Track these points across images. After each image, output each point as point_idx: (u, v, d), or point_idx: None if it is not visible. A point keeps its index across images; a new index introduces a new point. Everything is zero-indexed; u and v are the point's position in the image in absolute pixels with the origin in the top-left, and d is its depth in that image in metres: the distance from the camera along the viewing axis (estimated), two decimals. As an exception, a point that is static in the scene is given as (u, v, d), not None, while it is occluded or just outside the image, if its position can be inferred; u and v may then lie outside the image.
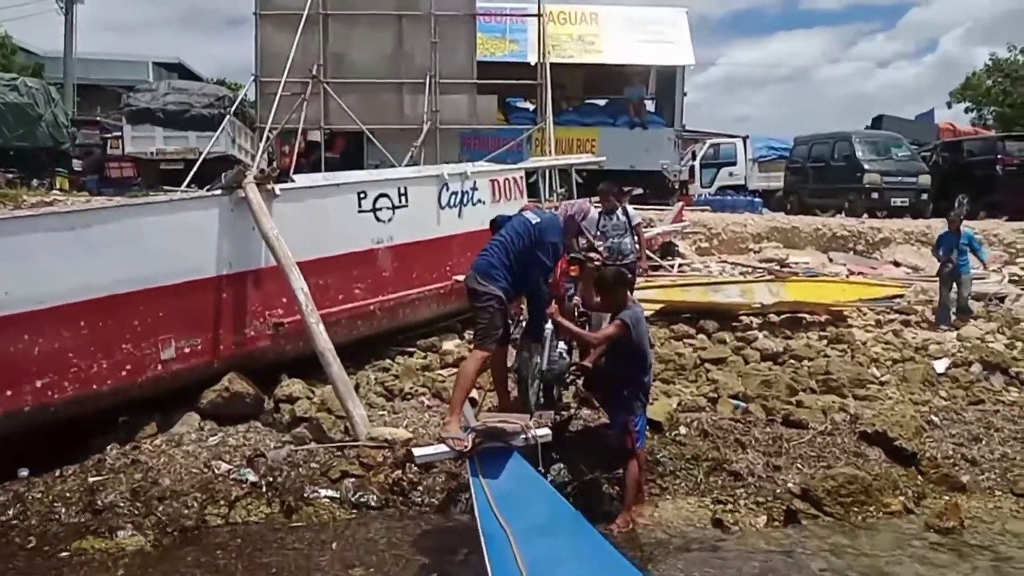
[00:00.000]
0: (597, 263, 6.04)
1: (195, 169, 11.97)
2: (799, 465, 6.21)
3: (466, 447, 4.94)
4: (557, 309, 5.83)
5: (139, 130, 17.66)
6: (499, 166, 9.92)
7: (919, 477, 6.18)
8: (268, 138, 13.53)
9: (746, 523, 5.67)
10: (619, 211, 8.62)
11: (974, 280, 10.75)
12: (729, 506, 5.83)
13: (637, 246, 8.54)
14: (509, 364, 5.77)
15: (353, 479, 5.69)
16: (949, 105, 39.09)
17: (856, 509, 5.67)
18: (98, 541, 5.09)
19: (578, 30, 19.01)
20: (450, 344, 8.11)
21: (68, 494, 5.50)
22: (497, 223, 5.87)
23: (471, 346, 5.49)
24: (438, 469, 5.72)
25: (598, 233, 7.92)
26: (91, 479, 5.59)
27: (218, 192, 6.75)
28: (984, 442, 6.66)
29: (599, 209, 8.76)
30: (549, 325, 5.72)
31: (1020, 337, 9.24)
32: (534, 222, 5.47)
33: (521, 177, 9.45)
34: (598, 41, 18.94)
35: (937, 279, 10.26)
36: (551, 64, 15.10)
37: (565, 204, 5.79)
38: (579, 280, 6.31)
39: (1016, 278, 12.48)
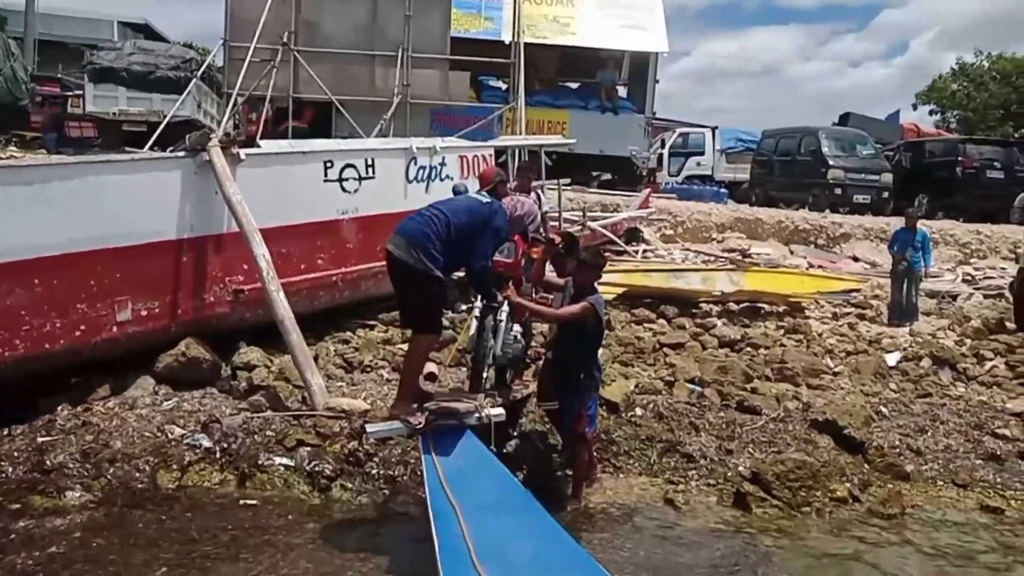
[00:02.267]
0: (559, 244, 6.04)
1: (158, 132, 11.71)
2: (751, 450, 6.34)
3: (420, 424, 4.92)
4: (513, 291, 5.74)
5: (102, 89, 17.21)
6: (469, 143, 9.87)
7: (865, 465, 6.34)
8: (235, 104, 13.28)
9: (697, 503, 5.77)
10: (533, 194, 8.66)
11: (928, 278, 11.00)
12: (681, 487, 5.94)
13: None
14: (463, 344, 5.74)
15: (309, 448, 5.66)
16: (915, 107, 39.88)
17: (803, 494, 5.78)
18: (45, 500, 5.02)
19: (554, 11, 18.89)
20: (412, 319, 8.09)
21: (16, 453, 5.43)
22: (458, 191, 5.82)
23: (413, 332, 5.19)
24: (394, 442, 5.72)
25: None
26: (40, 439, 5.51)
27: (182, 154, 6.64)
28: (929, 434, 6.85)
29: (515, 189, 8.80)
30: (504, 307, 5.60)
31: (969, 335, 9.48)
32: (485, 202, 5.27)
33: (491, 155, 9.41)
34: (573, 23, 18.85)
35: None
36: (525, 44, 15.01)
37: (516, 201, 5.57)
38: (540, 260, 6.24)
39: (969, 278, 12.79)
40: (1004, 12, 71.26)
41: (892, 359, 8.48)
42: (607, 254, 12.60)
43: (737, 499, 5.79)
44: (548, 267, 6.01)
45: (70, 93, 19.72)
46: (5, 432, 5.61)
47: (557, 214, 8.89)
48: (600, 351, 5.86)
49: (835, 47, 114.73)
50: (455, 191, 5.90)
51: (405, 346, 7.50)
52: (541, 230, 5.97)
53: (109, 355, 6.19)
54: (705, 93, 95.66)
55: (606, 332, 8.20)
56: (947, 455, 6.61)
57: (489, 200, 5.31)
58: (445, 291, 5.23)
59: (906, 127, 27.12)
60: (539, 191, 8.86)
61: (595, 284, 5.58)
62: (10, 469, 5.30)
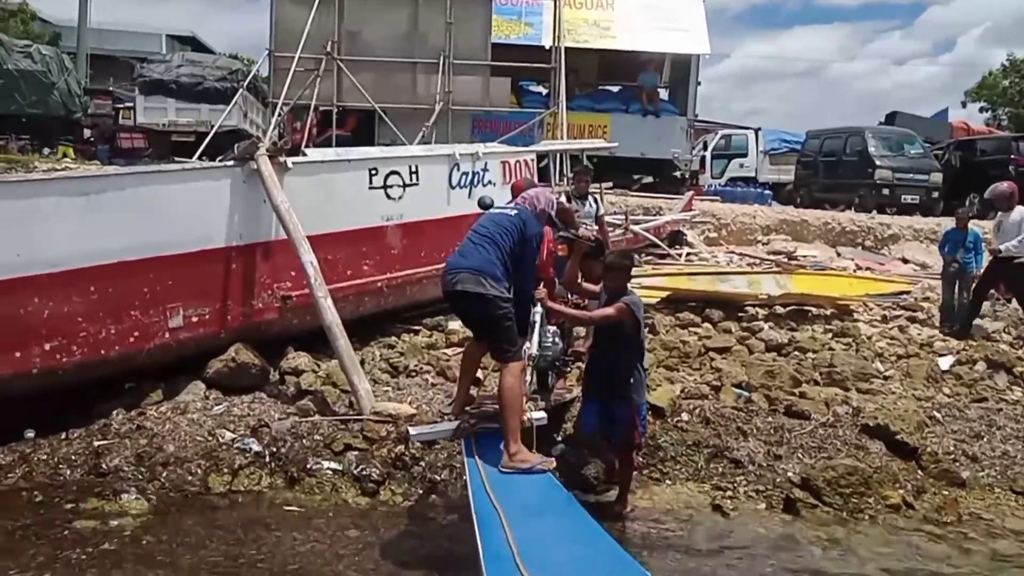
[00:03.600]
0: (589, 241, 5.97)
1: (206, 142, 11.94)
2: (800, 455, 6.24)
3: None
4: (547, 293, 5.63)
5: (151, 101, 17.66)
6: (511, 148, 9.90)
7: (919, 471, 6.19)
8: (280, 113, 13.51)
9: (745, 510, 5.70)
10: (590, 199, 8.65)
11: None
12: (728, 493, 5.86)
13: (599, 236, 8.32)
14: None
15: (356, 452, 5.72)
16: (964, 105, 39.03)
17: (855, 500, 5.69)
18: (102, 502, 5.14)
19: (593, 15, 18.88)
20: (456, 324, 8.10)
21: (73, 456, 5.58)
22: (485, 204, 5.76)
23: (502, 363, 4.92)
24: (440, 446, 5.75)
25: None
26: (96, 443, 5.66)
27: (230, 163, 6.77)
28: (985, 439, 6.68)
29: (573, 192, 8.79)
30: (539, 308, 5.50)
31: (1028, 338, 9.22)
32: (513, 214, 5.11)
33: (532, 160, 9.44)
34: (613, 27, 18.81)
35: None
36: (565, 48, 15.00)
37: (530, 196, 5.45)
38: (566, 260, 6.07)
39: None
40: (1057, 6, 69.27)
41: (945, 363, 8.28)
42: (646, 256, 12.61)
43: (787, 506, 5.71)
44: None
45: (121, 105, 20.20)
46: (63, 436, 5.77)
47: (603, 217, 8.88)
48: (644, 355, 5.70)
49: (879, 46, 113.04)
50: (481, 204, 5.85)
51: (449, 351, 7.61)
52: (570, 229, 5.85)
53: (161, 361, 6.33)
54: (746, 95, 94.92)
55: (650, 336, 8.21)
56: (1004, 461, 6.43)
57: (517, 211, 5.18)
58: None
59: (956, 125, 26.51)
60: (596, 195, 8.84)
61: (627, 286, 5.40)
62: (68, 472, 5.45)
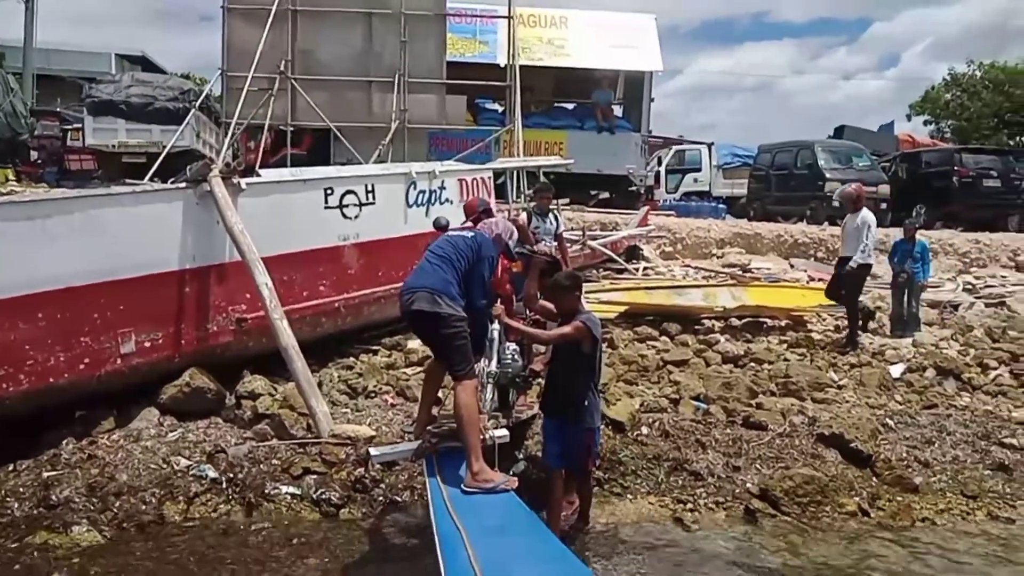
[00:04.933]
0: (545, 257, 6.01)
1: (158, 163, 11.76)
2: (758, 466, 6.31)
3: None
4: (504, 310, 5.58)
5: (101, 122, 17.29)
6: (467, 166, 9.92)
7: (874, 478, 6.30)
8: (234, 133, 13.35)
9: (706, 522, 5.74)
10: (551, 215, 8.72)
11: (929, 288, 11.00)
12: (689, 505, 5.90)
13: (558, 254, 8.28)
14: None
15: (315, 476, 5.65)
16: (909, 118, 40.12)
17: (813, 509, 5.78)
18: (52, 536, 4.99)
19: (548, 33, 19.07)
20: (415, 343, 8.07)
21: (21, 488, 5.39)
22: (440, 224, 5.83)
23: (457, 379, 4.94)
24: (400, 467, 5.71)
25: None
26: (46, 474, 5.49)
27: (183, 185, 6.67)
28: (936, 445, 6.82)
29: (534, 209, 8.87)
30: (496, 325, 5.50)
31: (972, 344, 9.47)
32: (470, 236, 5.25)
33: (489, 177, 9.48)
34: (567, 45, 19.03)
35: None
36: (520, 66, 15.12)
37: (489, 223, 5.53)
38: (523, 276, 6.13)
39: (970, 287, 12.78)
40: (994, 22, 71.84)
41: (896, 371, 8.46)
42: (604, 271, 12.70)
43: (746, 516, 5.78)
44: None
45: (70, 126, 19.80)
46: (10, 468, 5.58)
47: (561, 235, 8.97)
48: (600, 373, 5.56)
49: (827, 61, 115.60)
50: (437, 225, 5.93)
51: (409, 370, 7.57)
52: (525, 245, 5.91)
53: (113, 387, 6.18)
54: (699, 109, 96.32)
55: (609, 351, 8.26)
56: (955, 466, 6.57)
57: (473, 234, 5.31)
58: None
59: (901, 138, 27.26)
60: (556, 212, 8.90)
61: (579, 305, 5.24)
62: (16, 505, 5.27)
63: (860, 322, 9.47)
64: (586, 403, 5.12)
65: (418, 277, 5.01)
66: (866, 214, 9.26)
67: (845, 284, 9.28)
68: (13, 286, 5.53)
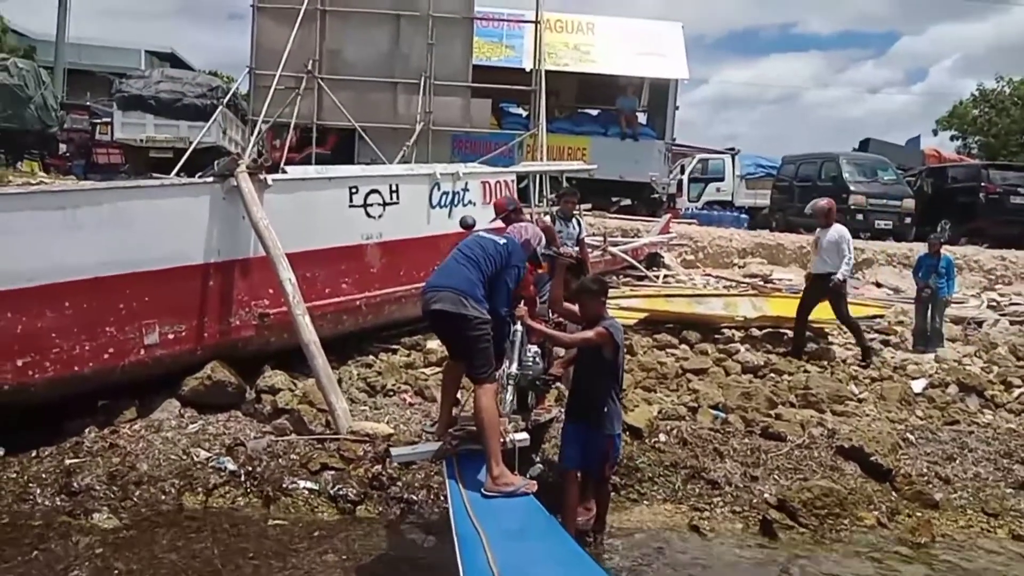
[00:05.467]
0: (570, 258, 5.97)
1: (184, 158, 11.88)
2: (776, 476, 6.27)
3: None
4: (527, 311, 5.53)
5: (130, 116, 17.50)
6: (491, 168, 9.94)
7: (893, 493, 6.25)
8: (260, 131, 13.47)
9: (722, 531, 5.72)
10: (574, 220, 8.71)
11: (953, 304, 10.89)
12: (706, 513, 5.87)
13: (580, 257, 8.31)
14: None
15: (333, 472, 5.68)
16: (935, 133, 39.79)
17: (831, 521, 5.73)
18: (73, 521, 5.07)
19: (574, 39, 19.09)
20: (434, 343, 8.10)
21: (44, 475, 5.48)
22: (467, 223, 5.80)
23: (477, 383, 4.87)
24: (417, 466, 5.72)
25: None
26: (68, 461, 5.57)
27: (210, 179, 6.74)
28: (958, 461, 6.76)
29: (558, 213, 8.85)
30: (518, 327, 5.41)
31: (996, 361, 9.37)
32: (501, 243, 5.12)
33: (512, 181, 9.48)
34: (593, 51, 19.02)
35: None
36: (546, 71, 15.14)
37: (518, 227, 5.47)
38: (548, 277, 6.06)
39: (994, 304, 12.65)
40: (1023, 37, 71.02)
41: (918, 386, 8.38)
42: (624, 277, 12.68)
43: (763, 527, 5.74)
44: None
45: (99, 120, 20.04)
46: (34, 454, 5.67)
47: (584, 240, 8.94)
48: (622, 380, 5.56)
49: (853, 74, 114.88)
50: (463, 224, 5.90)
51: (427, 370, 7.59)
52: (551, 247, 5.86)
53: (136, 378, 6.25)
54: (723, 120, 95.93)
55: (628, 357, 8.24)
56: (976, 483, 6.51)
57: (505, 241, 5.17)
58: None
59: (927, 153, 26.98)
60: (579, 216, 8.89)
61: (604, 311, 5.22)
62: (38, 491, 5.35)
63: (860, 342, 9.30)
64: (606, 409, 5.09)
65: (443, 276, 4.95)
66: (841, 229, 9.14)
67: (832, 301, 9.06)
68: (42, 274, 5.61)
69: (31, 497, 5.32)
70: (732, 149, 25.60)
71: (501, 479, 4.62)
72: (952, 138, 38.71)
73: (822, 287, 9.06)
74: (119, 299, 5.98)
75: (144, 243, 6.11)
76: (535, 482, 4.82)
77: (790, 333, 9.71)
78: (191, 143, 12.67)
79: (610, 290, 5.89)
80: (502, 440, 4.91)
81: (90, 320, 5.86)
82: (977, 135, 37.77)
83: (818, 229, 9.47)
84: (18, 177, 13.94)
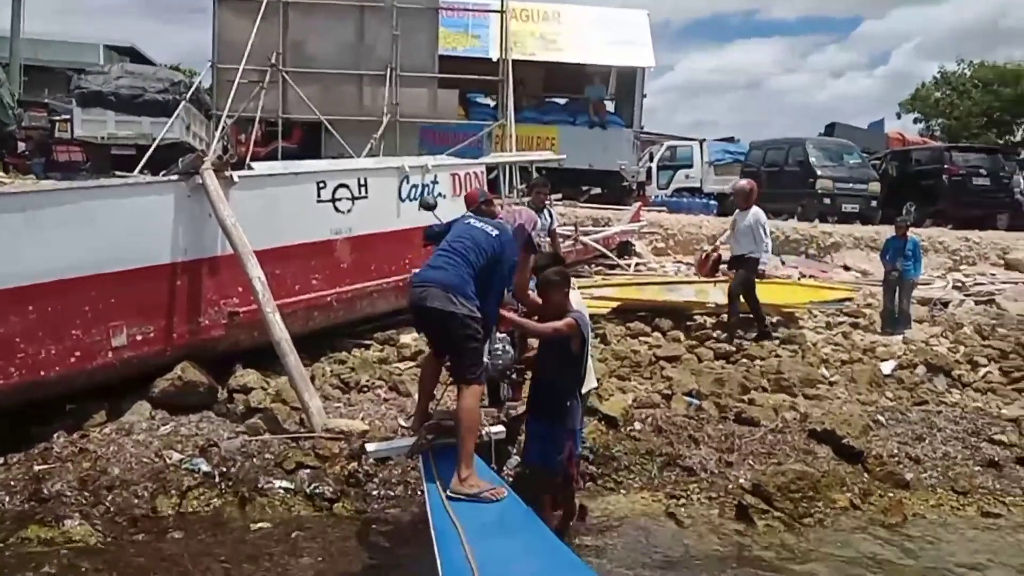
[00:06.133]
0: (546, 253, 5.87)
1: (148, 155, 11.69)
2: (751, 462, 6.33)
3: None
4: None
5: (90, 113, 17.09)
6: (461, 160, 9.90)
7: (865, 474, 6.34)
8: (224, 126, 13.28)
9: (699, 517, 5.75)
10: (546, 211, 8.69)
11: (919, 286, 11.07)
12: (682, 501, 5.91)
13: (550, 249, 7.90)
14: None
15: (308, 470, 5.63)
16: (899, 116, 40.39)
17: (805, 505, 5.79)
18: (43, 530, 4.95)
19: (540, 28, 19.03)
20: (407, 337, 8.07)
21: (12, 483, 5.35)
22: (428, 204, 5.63)
23: (463, 384, 4.70)
24: (394, 462, 5.69)
25: None
26: (37, 467, 5.44)
27: (175, 177, 6.63)
28: (927, 441, 6.87)
29: (529, 204, 8.80)
30: None
31: (962, 341, 9.53)
32: (494, 234, 4.87)
33: (482, 172, 9.44)
34: (559, 39, 18.99)
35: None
36: (512, 61, 15.09)
37: (512, 211, 5.23)
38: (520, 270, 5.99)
39: (959, 284, 12.87)
40: (984, 21, 72.27)
41: (887, 367, 8.51)
42: (596, 266, 12.71)
43: (739, 512, 5.79)
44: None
45: (58, 117, 19.61)
46: (1, 461, 5.55)
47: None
48: (585, 373, 5.29)
49: (817, 59, 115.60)
50: (424, 205, 5.76)
51: (401, 365, 7.55)
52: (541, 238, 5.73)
53: (105, 381, 6.15)
54: (690, 107, 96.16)
55: (601, 346, 8.27)
56: (946, 462, 6.62)
57: (497, 232, 4.92)
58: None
59: (891, 136, 27.34)
60: (551, 207, 8.86)
61: (568, 302, 4.96)
62: (7, 499, 5.23)
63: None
64: (569, 404, 4.92)
65: (433, 270, 4.74)
66: (758, 212, 9.05)
67: (741, 280, 8.96)
68: (3, 278, 5.48)
69: (-1, 505, 5.21)
70: (732, 138, 25.65)
71: (468, 481, 4.48)
72: (915, 121, 39.41)
73: (738, 269, 8.99)
74: (85, 301, 5.86)
75: (109, 243, 5.99)
76: (502, 488, 4.59)
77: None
78: (154, 140, 12.46)
79: (583, 279, 5.86)
80: (480, 434, 4.87)
81: (56, 323, 5.74)
82: (939, 118, 38.36)
83: (736, 211, 9.37)
84: (-24, 177, 13.61)
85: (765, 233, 8.94)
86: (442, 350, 5.05)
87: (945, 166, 18.32)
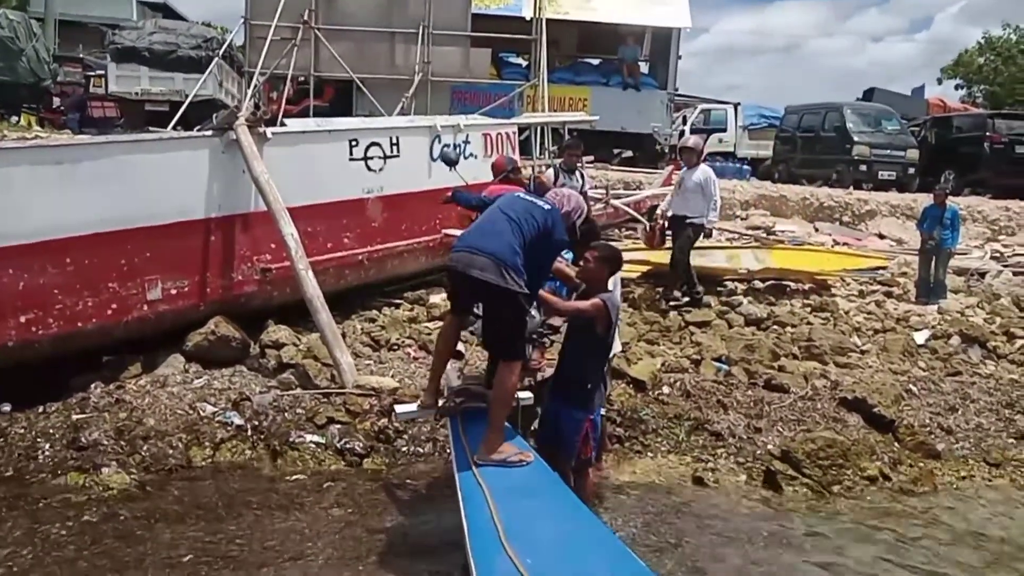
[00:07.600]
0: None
1: (181, 111, 11.72)
2: (779, 428, 6.31)
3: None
4: None
5: (124, 69, 17.19)
6: (492, 120, 9.81)
7: (896, 444, 6.30)
8: (256, 83, 13.26)
9: (726, 482, 5.76)
10: (577, 173, 8.60)
11: (956, 256, 10.86)
12: (709, 465, 5.92)
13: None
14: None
15: (339, 426, 5.70)
16: (940, 82, 39.34)
17: (834, 472, 5.76)
18: (81, 477, 5.08)
19: (575, -14, 18.71)
20: (437, 297, 8.09)
21: (51, 430, 5.48)
22: (449, 158, 5.44)
23: (506, 360, 4.47)
24: (423, 420, 5.74)
25: None
26: (75, 417, 5.56)
27: (209, 133, 6.64)
28: (960, 412, 6.80)
29: (561, 166, 8.73)
30: None
31: (999, 312, 9.37)
32: (546, 208, 4.55)
33: (514, 132, 9.37)
34: (594, -1, 18.68)
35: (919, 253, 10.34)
36: (546, 20, 14.86)
37: (561, 196, 5.00)
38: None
39: (997, 255, 12.62)
40: (1032, -16, 69.75)
41: (921, 337, 8.39)
42: (627, 230, 12.61)
43: (767, 478, 5.78)
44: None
45: (92, 73, 19.73)
46: (40, 410, 5.67)
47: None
48: (611, 354, 5.13)
49: (857, 22, 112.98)
50: (446, 159, 5.64)
51: (431, 324, 7.57)
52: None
53: (140, 334, 6.24)
54: (725, 70, 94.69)
55: (630, 311, 8.23)
56: (978, 434, 6.56)
57: (549, 207, 4.59)
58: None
59: (932, 102, 26.68)
60: (582, 169, 8.76)
61: (608, 282, 4.76)
62: (47, 446, 5.36)
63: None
64: (589, 386, 4.73)
65: (483, 237, 4.36)
66: (707, 170, 8.61)
67: (682, 246, 8.51)
68: (42, 230, 5.55)
69: (39, 451, 5.33)
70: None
71: (495, 448, 4.38)
72: (957, 87, 38.29)
73: (682, 229, 8.53)
74: (120, 255, 5.94)
75: (144, 198, 6.04)
76: (530, 453, 4.49)
77: (793, 285, 9.71)
78: (187, 96, 12.47)
79: (612, 243, 5.74)
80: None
81: (92, 276, 5.82)
82: (982, 84, 37.29)
83: (684, 168, 8.87)
84: (13, 131, 13.78)
85: (715, 191, 8.51)
86: (486, 328, 4.72)
87: (987, 133, 17.82)
